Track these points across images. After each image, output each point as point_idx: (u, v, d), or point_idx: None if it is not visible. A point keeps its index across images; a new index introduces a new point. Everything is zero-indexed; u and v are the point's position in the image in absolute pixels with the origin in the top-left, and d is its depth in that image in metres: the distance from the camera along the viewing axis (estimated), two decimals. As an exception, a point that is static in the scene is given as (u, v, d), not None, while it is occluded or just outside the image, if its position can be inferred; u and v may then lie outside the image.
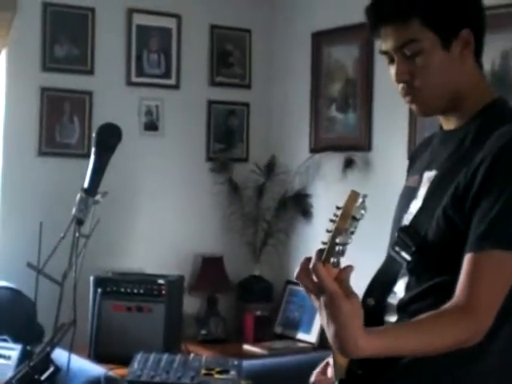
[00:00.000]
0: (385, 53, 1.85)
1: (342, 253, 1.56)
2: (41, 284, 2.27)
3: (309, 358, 3.67)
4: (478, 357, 1.72)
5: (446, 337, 1.64)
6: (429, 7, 1.79)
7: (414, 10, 1.78)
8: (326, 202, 4.50)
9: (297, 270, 1.61)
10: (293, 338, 4.52)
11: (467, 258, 1.68)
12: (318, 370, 1.94)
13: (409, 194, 1.92)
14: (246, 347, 4.39)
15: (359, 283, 1.79)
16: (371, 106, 4.36)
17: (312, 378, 1.93)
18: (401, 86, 1.84)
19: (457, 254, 1.70)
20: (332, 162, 4.51)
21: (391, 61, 1.85)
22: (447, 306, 1.66)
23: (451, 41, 1.80)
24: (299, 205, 4.72)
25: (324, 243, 1.57)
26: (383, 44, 1.84)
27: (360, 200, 1.56)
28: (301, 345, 4.43)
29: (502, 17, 3.49)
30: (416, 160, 2.02)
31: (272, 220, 4.82)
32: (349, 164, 4.39)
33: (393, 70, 1.85)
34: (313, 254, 1.59)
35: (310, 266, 1.57)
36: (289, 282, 4.64)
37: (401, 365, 1.74)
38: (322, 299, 1.57)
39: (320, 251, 1.57)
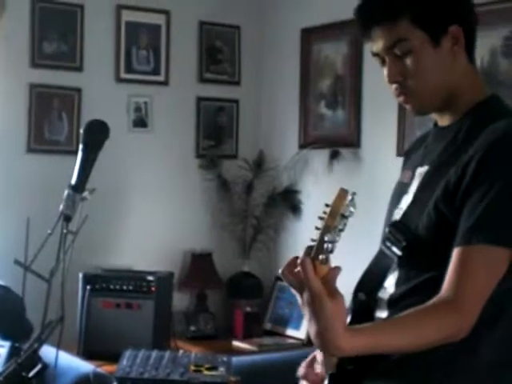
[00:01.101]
0: (376, 55, 1.86)
1: (331, 250, 1.57)
2: (29, 281, 2.26)
3: (298, 355, 3.64)
4: (470, 351, 1.72)
5: (431, 332, 1.64)
6: (416, 6, 1.80)
7: (401, 10, 1.79)
8: (315, 198, 4.50)
9: (283, 266, 1.62)
10: (282, 335, 4.52)
11: (455, 252, 1.68)
12: (304, 363, 1.94)
13: (400, 190, 1.93)
14: (236, 343, 4.40)
15: (349, 278, 1.79)
16: (360, 102, 4.37)
17: (299, 372, 1.93)
18: (394, 86, 1.85)
19: (447, 249, 1.70)
20: (321, 158, 4.51)
21: (383, 62, 1.85)
22: (433, 300, 1.66)
23: (440, 37, 1.80)
24: (288, 201, 4.73)
25: (313, 240, 1.58)
26: (374, 46, 1.84)
27: (349, 198, 1.57)
28: (290, 341, 4.43)
29: (490, 14, 3.49)
30: (410, 156, 2.03)
31: (261, 216, 4.82)
32: (334, 156, 4.40)
33: (385, 71, 1.85)
34: (301, 252, 1.60)
35: (298, 261, 1.58)
36: (278, 279, 4.63)
37: (392, 360, 1.75)
38: (304, 296, 1.58)
39: (309, 248, 1.58)
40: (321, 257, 1.57)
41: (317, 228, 1.58)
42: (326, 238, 1.56)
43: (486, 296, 1.67)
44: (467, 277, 1.65)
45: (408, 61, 1.80)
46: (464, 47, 1.84)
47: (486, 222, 1.67)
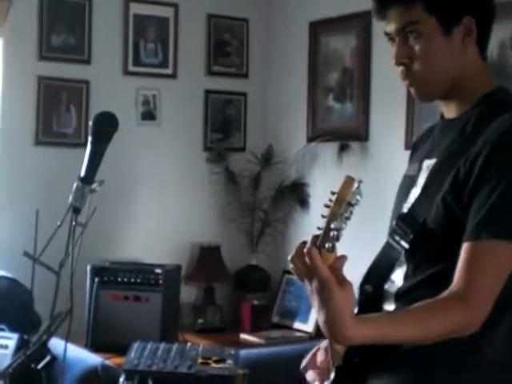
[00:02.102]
0: (387, 34, 1.86)
1: (337, 238, 1.55)
2: (37, 273, 2.27)
3: (306, 348, 3.66)
4: (475, 350, 1.71)
5: (440, 325, 1.63)
6: None
7: None
8: (323, 191, 4.47)
9: (292, 252, 1.61)
10: (290, 328, 4.52)
11: (465, 247, 1.67)
12: (307, 357, 1.94)
13: (408, 183, 1.92)
14: (243, 336, 4.40)
15: (355, 270, 1.79)
16: (368, 95, 4.36)
17: (302, 364, 1.93)
18: (400, 68, 1.84)
19: (455, 243, 1.69)
20: (329, 151, 4.51)
21: (392, 41, 1.85)
22: (443, 295, 1.65)
23: (452, 27, 1.79)
24: (296, 194, 4.73)
25: (319, 229, 1.57)
26: (387, 26, 1.85)
27: (355, 185, 1.55)
28: (298, 334, 4.43)
29: (499, 6, 3.47)
30: (417, 149, 2.02)
31: (269, 209, 4.82)
32: (342, 149, 4.40)
33: (394, 51, 1.85)
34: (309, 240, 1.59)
35: (305, 250, 1.56)
36: (286, 272, 4.64)
37: (397, 354, 1.74)
38: (313, 284, 1.57)
39: (315, 236, 1.57)
40: (327, 245, 1.55)
41: (323, 216, 1.56)
42: (332, 226, 1.54)
43: (497, 291, 1.65)
44: (478, 272, 1.64)
45: (417, 45, 1.80)
46: (476, 40, 1.83)
47: (495, 217, 1.66)
